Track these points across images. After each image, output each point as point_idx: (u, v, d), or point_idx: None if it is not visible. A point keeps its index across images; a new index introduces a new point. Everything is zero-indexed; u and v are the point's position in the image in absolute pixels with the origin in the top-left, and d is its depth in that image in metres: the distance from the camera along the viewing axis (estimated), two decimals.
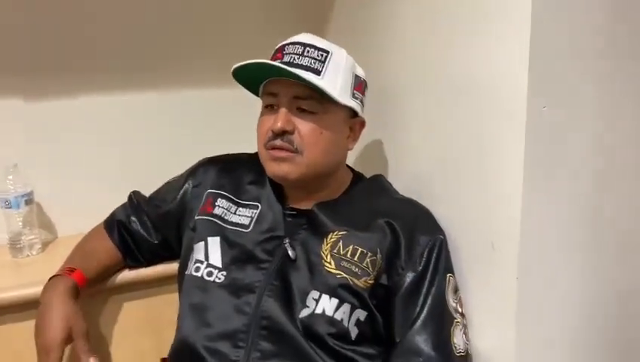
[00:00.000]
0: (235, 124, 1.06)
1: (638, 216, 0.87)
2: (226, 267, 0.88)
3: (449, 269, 0.87)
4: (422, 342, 0.81)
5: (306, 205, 0.91)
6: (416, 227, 0.87)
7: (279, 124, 0.84)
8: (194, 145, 1.08)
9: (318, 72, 0.84)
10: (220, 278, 0.87)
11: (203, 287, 0.88)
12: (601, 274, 0.85)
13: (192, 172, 1.00)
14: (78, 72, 1.15)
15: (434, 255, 0.85)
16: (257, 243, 0.88)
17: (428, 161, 0.96)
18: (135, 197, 1.02)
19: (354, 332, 0.83)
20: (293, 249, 0.86)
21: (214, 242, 0.90)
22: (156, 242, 1.00)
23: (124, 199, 1.03)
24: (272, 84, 0.86)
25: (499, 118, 0.79)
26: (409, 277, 0.84)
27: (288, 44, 0.87)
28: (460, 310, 0.86)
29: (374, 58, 1.03)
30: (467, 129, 0.86)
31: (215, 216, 0.93)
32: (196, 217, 0.94)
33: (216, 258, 0.89)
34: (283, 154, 0.85)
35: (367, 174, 0.99)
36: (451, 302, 0.85)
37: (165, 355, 0.92)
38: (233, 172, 0.97)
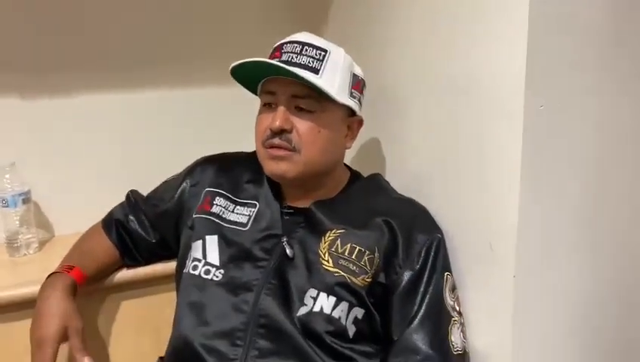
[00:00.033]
0: (235, 123, 1.06)
1: (636, 215, 0.87)
2: (223, 265, 0.88)
3: (447, 268, 0.87)
4: (419, 340, 0.81)
5: (303, 203, 0.91)
6: (414, 226, 0.87)
7: (277, 123, 0.84)
8: (194, 145, 1.08)
9: (316, 71, 0.84)
10: (217, 276, 0.88)
11: (201, 285, 0.88)
12: (598, 274, 0.85)
13: (190, 171, 1.00)
14: (77, 70, 1.15)
15: (432, 253, 0.85)
16: (255, 242, 0.88)
17: (425, 160, 0.97)
18: (133, 196, 1.02)
19: (351, 331, 0.83)
20: (291, 247, 0.86)
21: (212, 240, 0.90)
22: (154, 241, 1.00)
23: (123, 198, 1.03)
24: (270, 83, 0.87)
25: (497, 117, 0.79)
26: (407, 275, 0.84)
27: (286, 43, 0.87)
28: (457, 308, 0.86)
29: (372, 57, 1.03)
30: (465, 128, 0.86)
31: (213, 214, 0.93)
32: (194, 216, 0.94)
33: (213, 256, 0.89)
34: (281, 152, 0.85)
35: (365, 173, 0.99)
36: (449, 300, 0.85)
37: (163, 354, 0.92)
38: (231, 171, 0.97)
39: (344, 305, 0.83)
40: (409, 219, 0.88)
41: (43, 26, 1.12)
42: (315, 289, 0.83)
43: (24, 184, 1.07)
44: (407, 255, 0.84)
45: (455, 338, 0.83)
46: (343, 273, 0.83)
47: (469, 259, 0.88)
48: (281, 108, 0.85)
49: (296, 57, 0.85)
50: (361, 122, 0.94)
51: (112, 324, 1.01)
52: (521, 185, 0.76)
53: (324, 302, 0.82)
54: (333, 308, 0.82)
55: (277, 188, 0.93)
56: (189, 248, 0.92)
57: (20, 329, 0.86)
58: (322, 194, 0.91)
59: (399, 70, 1.01)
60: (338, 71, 0.87)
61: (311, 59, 0.85)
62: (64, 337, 0.83)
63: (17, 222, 1.07)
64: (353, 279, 0.83)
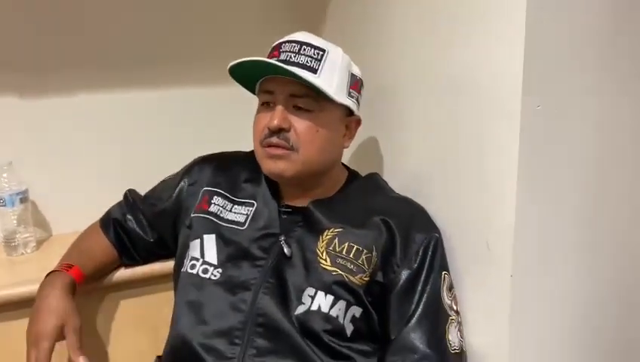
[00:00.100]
0: (234, 123, 1.06)
1: (636, 216, 0.87)
2: (221, 264, 0.88)
3: (444, 267, 0.87)
4: (417, 339, 0.81)
5: (301, 203, 0.91)
6: (412, 225, 0.87)
7: (275, 122, 0.84)
8: (193, 144, 1.08)
9: (314, 71, 0.85)
10: (215, 275, 0.88)
11: (199, 284, 0.88)
12: (597, 274, 0.86)
13: (188, 170, 1.00)
14: (76, 70, 1.15)
15: (429, 252, 0.85)
16: (253, 241, 0.88)
17: (423, 160, 0.97)
18: (131, 196, 1.02)
19: (349, 329, 0.83)
20: (289, 246, 0.87)
21: (210, 239, 0.90)
22: (152, 240, 1.00)
23: (121, 197, 1.03)
24: (269, 82, 0.87)
25: (495, 117, 0.80)
26: (404, 274, 0.84)
27: (285, 42, 0.87)
28: (454, 307, 0.87)
29: (371, 56, 1.03)
30: (463, 128, 0.86)
31: (211, 213, 0.93)
32: (192, 215, 0.94)
33: (211, 255, 0.89)
34: (279, 151, 0.85)
35: (363, 172, 1.00)
36: (446, 299, 0.85)
37: (161, 353, 0.92)
38: (229, 170, 0.97)
39: (342, 304, 0.83)
40: (407, 218, 0.88)
41: (42, 26, 1.12)
42: (313, 287, 0.83)
43: (22, 183, 1.07)
44: (405, 254, 0.85)
45: (452, 337, 0.83)
46: (340, 272, 0.84)
47: (466, 258, 0.88)
48: (279, 108, 0.85)
49: (295, 57, 0.85)
50: (359, 122, 0.94)
51: (110, 323, 1.01)
52: (518, 185, 0.77)
53: (322, 301, 0.83)
54: (331, 306, 0.82)
55: (275, 187, 0.93)
56: (186, 247, 0.93)
57: (18, 328, 0.86)
58: (320, 194, 0.92)
59: (397, 70, 1.01)
60: (336, 70, 0.87)
61: (309, 59, 0.85)
62: (61, 335, 0.83)
63: (15, 221, 1.07)
64: (351, 278, 0.83)
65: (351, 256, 0.84)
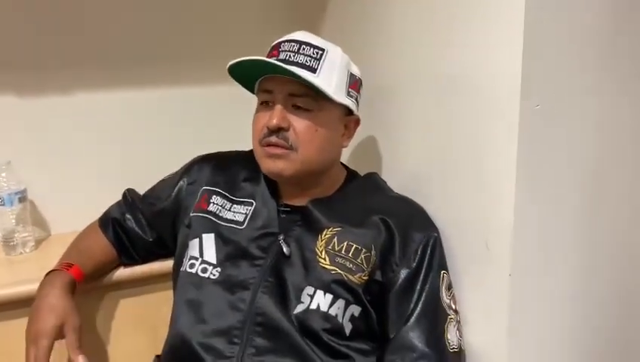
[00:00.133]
0: (234, 122, 1.06)
1: (634, 215, 0.87)
2: (220, 263, 0.88)
3: (443, 266, 0.87)
4: (416, 338, 0.82)
5: (300, 202, 0.91)
6: (410, 224, 0.87)
7: (274, 121, 0.84)
8: (192, 144, 1.07)
9: (313, 70, 0.85)
10: (214, 275, 0.88)
11: (198, 283, 0.88)
12: (596, 274, 0.86)
13: (187, 169, 1.00)
14: (75, 69, 1.15)
15: (428, 252, 0.86)
16: (252, 240, 0.89)
17: (422, 160, 0.97)
18: (129, 195, 1.02)
19: (348, 328, 0.83)
20: (288, 245, 0.87)
21: (209, 238, 0.90)
22: (151, 240, 1.00)
23: (120, 197, 1.03)
24: (268, 82, 0.87)
25: (493, 116, 0.80)
26: (403, 273, 0.84)
27: (284, 42, 0.87)
28: (453, 306, 0.87)
29: (369, 56, 1.03)
30: (462, 128, 0.86)
31: (210, 212, 0.93)
32: (191, 214, 0.94)
33: (210, 254, 0.89)
34: (278, 150, 0.85)
35: (362, 172, 1.00)
36: (445, 298, 0.85)
37: (160, 352, 0.92)
38: (228, 169, 0.97)
39: (341, 303, 0.83)
40: (406, 217, 0.88)
41: (41, 25, 1.12)
42: (312, 286, 0.84)
43: (20, 182, 1.07)
44: (404, 253, 0.85)
45: (451, 336, 0.84)
46: (339, 271, 0.84)
47: (465, 258, 0.88)
48: (279, 107, 0.85)
49: (294, 56, 0.85)
50: (358, 121, 0.94)
51: (110, 322, 1.01)
52: (516, 184, 0.77)
53: (321, 300, 0.83)
54: (330, 305, 0.83)
55: (274, 186, 0.93)
56: (185, 246, 0.93)
57: (16, 327, 0.86)
58: (319, 193, 0.92)
59: (396, 69, 1.02)
60: (335, 70, 0.87)
61: (308, 58, 0.85)
62: (60, 334, 0.82)
63: (14, 221, 1.07)
64: (350, 277, 0.83)
65: (350, 255, 0.84)
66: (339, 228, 0.87)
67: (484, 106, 0.81)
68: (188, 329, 0.86)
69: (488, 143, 0.81)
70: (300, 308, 0.83)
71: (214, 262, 0.89)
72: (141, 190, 1.04)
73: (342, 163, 0.99)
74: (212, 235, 0.91)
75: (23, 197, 1.07)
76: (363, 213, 0.88)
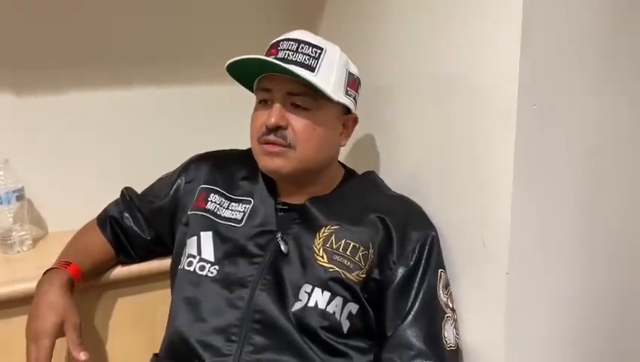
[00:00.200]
0: (234, 122, 1.06)
1: (631, 215, 0.87)
2: (218, 261, 0.88)
3: (440, 265, 0.88)
4: (413, 336, 0.82)
5: (298, 200, 0.91)
6: (408, 223, 0.87)
7: (273, 120, 0.84)
8: (191, 143, 1.07)
9: (312, 69, 0.85)
10: (212, 273, 0.88)
11: (196, 282, 0.88)
12: (594, 273, 0.86)
13: (185, 168, 1.00)
14: (73, 68, 1.15)
15: (425, 250, 0.86)
16: (250, 238, 0.89)
17: (420, 159, 0.97)
18: (127, 193, 1.02)
19: (346, 326, 0.83)
20: (286, 243, 0.87)
21: (207, 237, 0.90)
22: (149, 238, 1.00)
23: (118, 195, 1.03)
24: (266, 80, 0.87)
25: (491, 116, 0.80)
26: (401, 271, 0.84)
27: (283, 41, 0.88)
28: (450, 305, 0.87)
29: (367, 55, 1.03)
30: (460, 127, 0.86)
31: (208, 211, 0.93)
32: (189, 212, 0.94)
33: (208, 252, 0.89)
34: (276, 149, 0.85)
35: (359, 170, 1.00)
36: (442, 296, 0.85)
37: (158, 350, 0.92)
38: (226, 167, 0.97)
39: (338, 301, 0.83)
40: (403, 216, 0.88)
41: (40, 23, 1.11)
42: (310, 284, 0.84)
43: (18, 181, 1.07)
44: (402, 251, 0.85)
45: (448, 334, 0.84)
46: (337, 268, 0.84)
47: (462, 257, 0.88)
48: (277, 105, 0.85)
49: (292, 55, 0.85)
50: (356, 120, 0.94)
51: (108, 321, 1.01)
52: (514, 184, 0.77)
53: (319, 297, 0.83)
54: (328, 303, 0.83)
55: (272, 184, 0.93)
56: (183, 245, 0.93)
57: (14, 326, 0.86)
58: (317, 191, 0.92)
59: (394, 69, 1.02)
60: (334, 69, 0.87)
61: (307, 57, 0.85)
62: (60, 332, 0.82)
63: (11, 219, 1.06)
64: (347, 274, 0.84)
65: (347, 252, 0.85)
66: (337, 226, 0.87)
67: (482, 106, 0.81)
68: (186, 327, 0.86)
69: (486, 143, 0.81)
70: (297, 306, 0.83)
71: (212, 260, 0.89)
72: (140, 189, 1.04)
73: (340, 161, 0.99)
74: (210, 233, 0.91)
75: (20, 195, 1.07)
76: (361, 212, 0.88)
